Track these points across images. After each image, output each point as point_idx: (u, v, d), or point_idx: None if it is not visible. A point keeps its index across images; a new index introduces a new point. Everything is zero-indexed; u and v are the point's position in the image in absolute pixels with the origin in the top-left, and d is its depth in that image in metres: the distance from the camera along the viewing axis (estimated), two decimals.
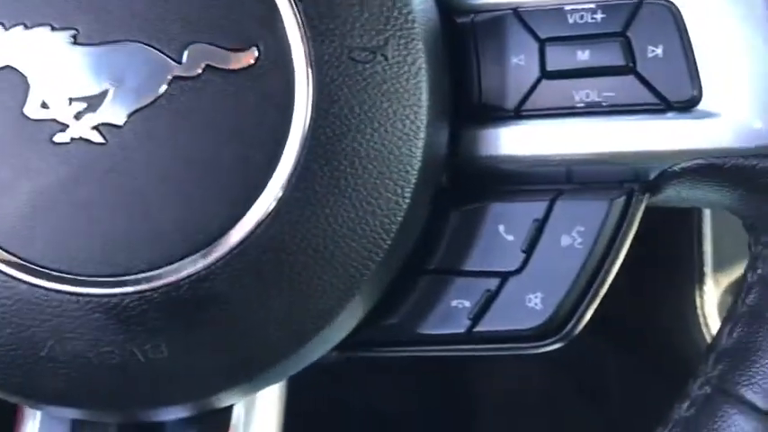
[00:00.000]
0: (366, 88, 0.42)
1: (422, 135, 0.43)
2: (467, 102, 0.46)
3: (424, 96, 0.43)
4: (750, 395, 0.42)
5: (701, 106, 0.44)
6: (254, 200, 0.42)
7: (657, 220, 0.66)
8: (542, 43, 0.45)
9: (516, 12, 0.45)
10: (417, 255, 0.45)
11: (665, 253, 0.69)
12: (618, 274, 0.45)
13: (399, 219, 0.43)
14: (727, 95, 0.43)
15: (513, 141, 0.45)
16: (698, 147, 0.44)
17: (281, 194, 0.42)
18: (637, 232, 0.45)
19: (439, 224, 0.46)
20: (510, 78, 0.45)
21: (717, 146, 0.44)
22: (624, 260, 0.45)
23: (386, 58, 0.43)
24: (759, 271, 0.44)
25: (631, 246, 0.45)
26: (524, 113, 0.45)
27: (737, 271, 0.66)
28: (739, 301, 0.44)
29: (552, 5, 0.45)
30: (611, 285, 0.45)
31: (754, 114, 0.43)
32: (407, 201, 0.43)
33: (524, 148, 0.45)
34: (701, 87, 0.43)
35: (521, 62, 0.45)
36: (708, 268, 0.69)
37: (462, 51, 0.46)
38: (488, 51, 0.45)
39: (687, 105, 0.44)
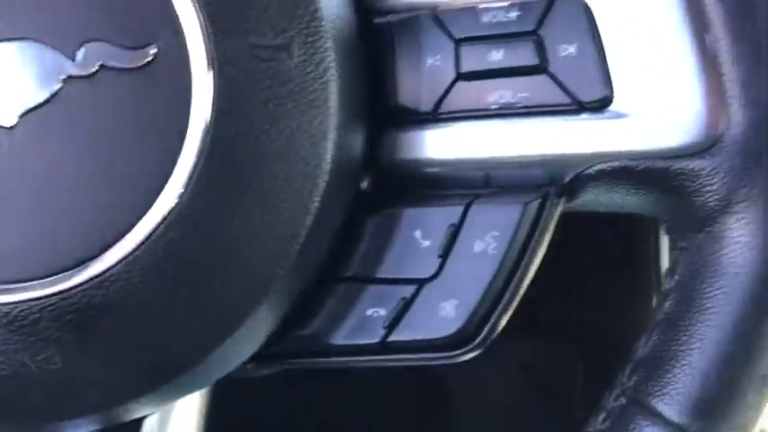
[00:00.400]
0: (270, 87, 0.41)
1: (331, 137, 0.42)
2: (384, 104, 0.44)
3: (333, 97, 0.42)
4: (661, 406, 0.41)
5: (614, 107, 0.42)
6: (152, 202, 0.40)
7: (616, 233, 0.66)
8: (457, 43, 0.43)
9: (433, 11, 0.44)
10: (333, 261, 0.44)
11: (625, 265, 0.69)
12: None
13: (308, 224, 0.42)
14: (638, 96, 0.42)
15: (432, 145, 0.44)
16: (611, 149, 0.42)
17: (180, 195, 0.40)
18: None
19: (356, 230, 0.44)
20: (426, 80, 0.44)
21: (629, 148, 0.42)
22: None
23: (290, 57, 0.41)
24: (676, 277, 0.42)
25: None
26: (441, 116, 0.44)
27: None
28: (658, 309, 0.43)
29: (468, 4, 0.43)
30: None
31: (666, 116, 0.42)
32: (316, 205, 0.42)
33: (442, 151, 0.44)
34: (612, 88, 0.42)
35: (437, 63, 0.44)
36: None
37: (379, 53, 0.44)
38: (405, 52, 0.44)
39: (599, 106, 0.42)
